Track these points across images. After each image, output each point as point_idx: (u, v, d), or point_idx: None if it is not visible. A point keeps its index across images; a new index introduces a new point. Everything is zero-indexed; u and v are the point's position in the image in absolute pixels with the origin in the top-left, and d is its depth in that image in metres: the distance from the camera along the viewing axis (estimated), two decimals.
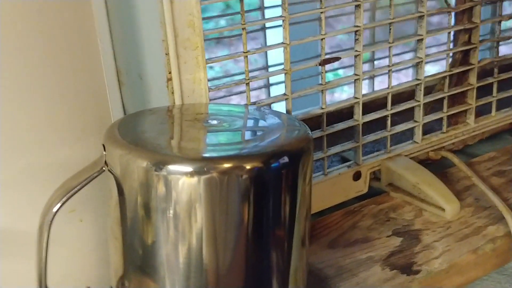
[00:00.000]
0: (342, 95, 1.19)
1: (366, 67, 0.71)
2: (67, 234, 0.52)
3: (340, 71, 0.94)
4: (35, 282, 0.49)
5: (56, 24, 0.47)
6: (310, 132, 0.45)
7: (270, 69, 0.77)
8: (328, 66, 0.60)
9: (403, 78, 1.00)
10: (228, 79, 0.62)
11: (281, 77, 0.58)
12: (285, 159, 0.41)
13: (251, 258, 0.42)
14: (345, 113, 0.75)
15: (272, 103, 0.58)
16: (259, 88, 0.79)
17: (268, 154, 0.41)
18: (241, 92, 0.75)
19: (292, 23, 0.72)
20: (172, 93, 0.52)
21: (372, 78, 0.85)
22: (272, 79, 0.78)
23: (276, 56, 0.70)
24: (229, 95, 0.73)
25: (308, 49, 0.73)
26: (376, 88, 0.84)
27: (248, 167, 0.40)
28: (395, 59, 0.66)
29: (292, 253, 0.44)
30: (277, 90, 0.78)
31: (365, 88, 0.65)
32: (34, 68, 0.47)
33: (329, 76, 0.88)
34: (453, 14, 0.68)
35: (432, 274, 0.53)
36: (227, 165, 0.40)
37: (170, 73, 0.51)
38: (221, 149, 0.43)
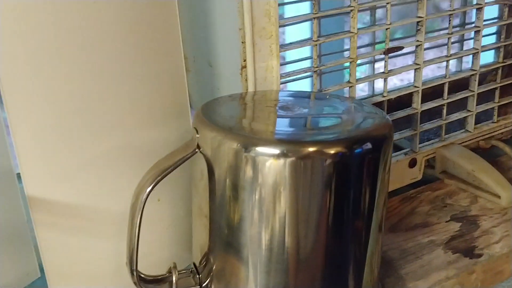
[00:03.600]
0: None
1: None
2: (145, 213, 0.54)
3: (363, 67, 0.95)
4: (116, 262, 0.52)
5: (139, 10, 0.48)
6: (389, 118, 0.47)
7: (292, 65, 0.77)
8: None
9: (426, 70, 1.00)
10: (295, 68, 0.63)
11: None
12: (368, 145, 0.43)
13: (331, 241, 0.44)
14: (393, 100, 0.76)
15: (337, 90, 0.60)
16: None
17: (352, 140, 0.43)
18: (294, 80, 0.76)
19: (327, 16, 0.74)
20: (246, 80, 0.54)
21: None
22: None
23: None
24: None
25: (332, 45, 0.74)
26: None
27: (332, 152, 0.42)
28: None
29: (369, 238, 0.46)
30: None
31: (405, 79, 0.66)
32: (117, 53, 0.48)
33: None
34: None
35: (494, 258, 0.55)
36: (311, 149, 0.42)
37: (245, 60, 0.53)
38: (305, 134, 0.45)
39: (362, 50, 0.66)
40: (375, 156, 0.44)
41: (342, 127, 0.46)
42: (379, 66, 0.66)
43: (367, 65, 0.87)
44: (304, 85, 0.77)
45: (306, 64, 0.61)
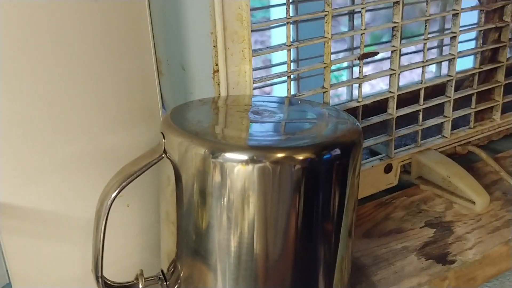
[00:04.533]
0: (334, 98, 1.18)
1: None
2: (113, 219, 0.53)
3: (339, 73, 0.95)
4: (84, 268, 0.51)
5: (107, 11, 0.48)
6: (359, 124, 0.46)
7: (274, 69, 0.78)
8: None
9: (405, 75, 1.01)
10: (267, 73, 0.63)
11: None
12: (337, 151, 0.43)
13: (300, 246, 0.44)
14: (371, 107, 0.76)
15: (309, 96, 0.60)
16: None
17: (321, 145, 0.43)
18: (270, 85, 0.76)
19: (302, 21, 0.74)
20: (218, 84, 0.53)
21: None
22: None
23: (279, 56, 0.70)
24: (259, 87, 0.74)
25: (312, 49, 0.74)
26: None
27: (300, 157, 0.42)
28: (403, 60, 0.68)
29: (339, 244, 0.45)
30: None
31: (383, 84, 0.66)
32: (86, 55, 0.48)
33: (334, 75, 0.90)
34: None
35: (466, 264, 0.55)
36: (280, 155, 0.42)
37: (217, 65, 0.53)
38: (274, 140, 0.44)
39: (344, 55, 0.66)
40: (344, 162, 0.43)
41: (311, 133, 0.45)
42: (367, 71, 0.66)
43: (347, 70, 0.87)
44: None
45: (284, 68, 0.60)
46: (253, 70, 0.54)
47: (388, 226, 0.61)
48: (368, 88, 1.34)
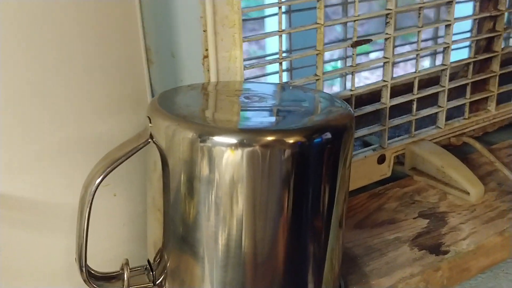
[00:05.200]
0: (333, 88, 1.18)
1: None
2: (100, 209, 0.52)
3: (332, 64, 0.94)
4: (71, 256, 0.50)
5: None
6: (352, 109, 0.45)
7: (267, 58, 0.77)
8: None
9: (400, 71, 1.00)
10: (258, 59, 0.62)
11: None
12: (328, 135, 0.42)
13: (290, 234, 0.42)
14: (364, 98, 0.75)
15: (303, 83, 0.59)
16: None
17: (311, 129, 0.42)
18: (263, 75, 0.75)
19: (294, 11, 0.73)
20: (208, 70, 0.52)
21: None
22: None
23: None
24: (255, 77, 0.73)
25: (306, 40, 0.73)
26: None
27: (290, 141, 0.40)
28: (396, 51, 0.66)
29: (330, 233, 0.44)
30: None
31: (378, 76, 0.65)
32: (73, 41, 0.47)
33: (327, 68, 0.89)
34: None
35: (460, 254, 0.54)
36: (270, 138, 0.40)
37: (206, 50, 0.51)
38: (263, 123, 0.43)
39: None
40: (335, 147, 0.42)
41: (302, 117, 0.44)
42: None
43: (340, 62, 0.86)
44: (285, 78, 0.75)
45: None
46: (246, 60, 0.53)
47: (381, 217, 0.60)
48: (363, 83, 1.33)
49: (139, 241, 0.55)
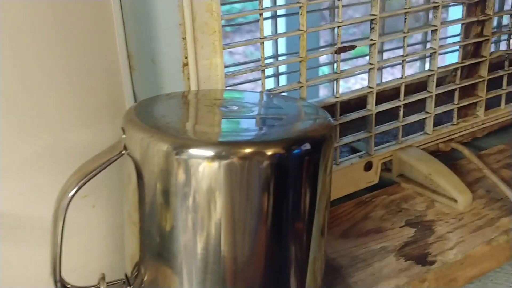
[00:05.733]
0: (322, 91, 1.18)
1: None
2: (78, 221, 0.51)
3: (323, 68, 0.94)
4: (48, 269, 0.48)
5: (70, 4, 0.46)
6: (331, 119, 0.44)
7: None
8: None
9: (389, 76, 1.00)
10: (242, 66, 0.61)
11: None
12: (307, 146, 0.41)
13: (269, 247, 0.41)
14: (352, 104, 0.74)
15: (287, 91, 0.58)
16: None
17: (290, 140, 0.41)
18: (251, 81, 0.74)
19: (284, 15, 0.72)
20: (188, 78, 0.51)
21: (380, 69, 0.85)
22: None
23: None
24: (240, 83, 0.72)
25: (293, 47, 0.72)
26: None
27: (269, 153, 0.39)
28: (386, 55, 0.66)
29: (311, 243, 0.43)
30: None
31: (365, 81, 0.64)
32: (45, 48, 0.45)
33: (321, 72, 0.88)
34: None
35: (447, 265, 0.53)
36: (248, 151, 0.39)
37: (186, 58, 0.50)
38: (241, 135, 0.42)
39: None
40: (314, 157, 0.41)
41: (281, 128, 0.43)
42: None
43: (328, 67, 0.85)
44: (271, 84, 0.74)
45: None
46: (233, 65, 0.52)
47: (367, 226, 0.59)
48: (360, 85, 1.32)
49: (120, 253, 0.53)
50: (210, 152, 0.39)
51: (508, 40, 0.74)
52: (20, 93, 0.45)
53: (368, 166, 0.65)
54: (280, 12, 0.67)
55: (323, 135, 0.42)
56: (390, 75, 1.00)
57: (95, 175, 0.41)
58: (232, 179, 0.39)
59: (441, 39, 0.90)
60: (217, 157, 0.39)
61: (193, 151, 0.39)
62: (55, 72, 0.46)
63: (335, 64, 0.60)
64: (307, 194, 0.42)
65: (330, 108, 0.62)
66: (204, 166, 0.39)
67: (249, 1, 0.71)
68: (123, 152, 0.41)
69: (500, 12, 0.72)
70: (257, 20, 0.53)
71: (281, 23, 0.78)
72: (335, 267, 0.53)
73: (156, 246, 0.42)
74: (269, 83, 0.82)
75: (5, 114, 0.45)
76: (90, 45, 0.48)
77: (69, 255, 0.47)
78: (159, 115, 0.44)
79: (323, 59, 0.86)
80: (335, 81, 0.60)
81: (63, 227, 0.42)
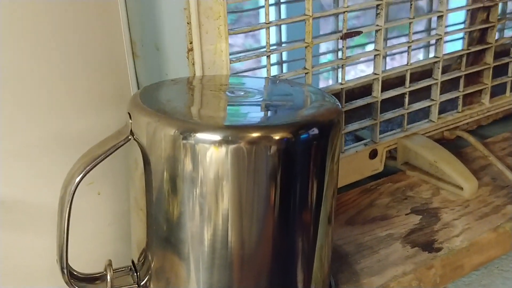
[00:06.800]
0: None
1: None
2: (84, 208, 0.51)
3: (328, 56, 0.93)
4: (54, 256, 0.48)
5: None
6: (339, 104, 0.44)
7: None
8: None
9: (393, 63, 0.99)
10: (247, 53, 0.61)
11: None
12: (315, 130, 0.40)
13: (277, 232, 0.41)
14: (357, 92, 0.74)
15: (292, 77, 0.57)
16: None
17: (298, 124, 0.40)
18: (254, 69, 0.74)
19: (287, 1, 0.71)
20: (193, 64, 0.51)
21: (384, 57, 0.84)
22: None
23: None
24: (243, 71, 0.72)
25: (298, 34, 0.72)
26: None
27: (276, 137, 0.39)
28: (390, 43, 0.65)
29: (318, 230, 0.43)
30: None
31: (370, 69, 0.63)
32: (51, 36, 0.45)
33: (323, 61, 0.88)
34: None
35: (453, 252, 0.53)
36: (255, 135, 0.39)
37: (191, 43, 0.50)
38: (248, 119, 0.42)
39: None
40: (322, 142, 0.41)
41: (288, 112, 0.43)
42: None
43: (332, 55, 0.85)
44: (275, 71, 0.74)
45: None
46: (235, 53, 0.51)
47: (373, 213, 0.59)
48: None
49: (125, 241, 0.53)
50: (217, 137, 0.38)
51: None
52: (28, 80, 0.45)
53: (373, 154, 0.65)
54: None
55: (331, 120, 0.41)
56: (396, 62, 1.00)
57: (102, 160, 0.41)
58: (239, 163, 0.39)
59: (419, 31, 0.90)
60: (224, 141, 0.38)
61: (200, 135, 0.38)
62: (62, 59, 0.46)
63: (341, 51, 0.60)
64: (315, 180, 0.41)
65: (334, 95, 0.62)
66: (212, 150, 0.38)
67: None
68: (129, 137, 0.41)
69: None
70: (261, 7, 0.53)
71: (282, 12, 0.78)
72: (341, 254, 0.53)
73: (163, 232, 0.42)
74: (272, 71, 0.82)
75: (14, 100, 0.45)
76: (96, 33, 0.48)
77: (74, 242, 0.46)
78: (165, 100, 0.44)
79: (323, 49, 0.85)
80: (339, 69, 0.60)
81: (69, 213, 0.41)
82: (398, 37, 0.91)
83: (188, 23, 0.49)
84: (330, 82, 0.97)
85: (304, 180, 0.41)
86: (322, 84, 1.34)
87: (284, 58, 0.81)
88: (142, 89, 0.46)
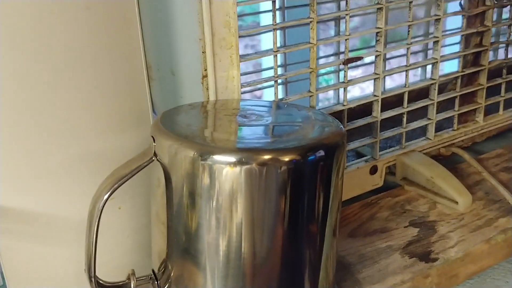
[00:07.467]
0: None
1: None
2: (105, 221, 0.55)
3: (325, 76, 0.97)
4: (74, 267, 0.52)
5: (98, 18, 0.48)
6: (343, 127, 0.48)
7: (263, 73, 0.80)
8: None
9: (388, 79, 1.03)
10: (256, 77, 0.65)
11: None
12: (321, 152, 0.44)
13: (286, 245, 0.45)
14: (357, 110, 0.78)
15: (297, 100, 0.62)
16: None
17: (305, 147, 0.44)
18: (260, 89, 0.78)
19: (288, 27, 0.75)
20: (207, 89, 0.55)
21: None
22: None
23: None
24: (250, 91, 0.76)
25: (300, 55, 0.76)
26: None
27: (286, 159, 0.43)
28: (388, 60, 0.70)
29: (324, 243, 0.47)
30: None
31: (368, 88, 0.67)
32: (75, 60, 0.48)
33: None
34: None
35: (449, 262, 0.57)
36: (266, 157, 0.43)
37: (205, 70, 0.54)
38: (261, 142, 0.46)
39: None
40: (328, 163, 0.45)
41: (297, 135, 0.47)
42: (356, 74, 0.68)
43: (334, 75, 0.89)
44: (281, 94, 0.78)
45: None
46: (243, 74, 0.55)
47: (373, 226, 0.63)
48: (358, 91, 1.36)
49: (142, 252, 0.57)
50: (232, 158, 0.42)
51: (506, 49, 0.78)
52: (53, 103, 0.48)
53: (373, 170, 0.69)
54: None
55: (335, 142, 0.45)
56: (390, 80, 1.04)
57: (128, 179, 0.45)
58: (252, 183, 0.43)
59: (418, 51, 0.94)
60: (238, 162, 0.42)
61: (217, 157, 0.43)
62: (84, 83, 0.49)
63: (342, 73, 0.64)
64: (321, 197, 0.45)
65: (337, 115, 0.66)
66: (227, 171, 0.43)
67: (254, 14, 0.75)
68: (153, 158, 0.45)
69: (498, 23, 0.76)
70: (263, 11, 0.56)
71: (280, 33, 0.82)
72: (344, 264, 0.57)
73: (182, 244, 0.46)
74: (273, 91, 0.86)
75: (39, 122, 0.48)
76: (117, 56, 0.51)
77: (97, 253, 0.50)
78: (184, 124, 0.48)
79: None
80: (342, 89, 0.64)
81: (97, 227, 0.46)
82: (396, 57, 0.95)
83: (203, 52, 0.53)
84: (328, 93, 1.01)
85: (311, 196, 0.45)
86: (321, 96, 1.38)
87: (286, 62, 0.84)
88: (162, 113, 0.50)
